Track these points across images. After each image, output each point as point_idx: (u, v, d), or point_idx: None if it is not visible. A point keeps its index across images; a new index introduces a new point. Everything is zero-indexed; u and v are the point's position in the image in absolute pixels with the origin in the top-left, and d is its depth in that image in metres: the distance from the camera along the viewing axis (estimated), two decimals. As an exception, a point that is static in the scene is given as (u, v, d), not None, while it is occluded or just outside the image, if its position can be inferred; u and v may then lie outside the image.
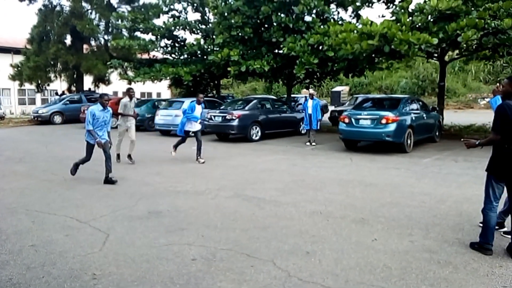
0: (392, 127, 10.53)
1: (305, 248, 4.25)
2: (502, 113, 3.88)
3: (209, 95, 24.00)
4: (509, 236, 4.47)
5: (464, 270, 3.69)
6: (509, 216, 4.70)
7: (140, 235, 4.67)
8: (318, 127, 13.25)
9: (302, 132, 16.05)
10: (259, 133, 14.20)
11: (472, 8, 11.38)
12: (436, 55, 15.41)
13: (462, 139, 4.51)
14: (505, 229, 4.64)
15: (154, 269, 3.76)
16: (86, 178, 7.88)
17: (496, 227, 4.71)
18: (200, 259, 3.97)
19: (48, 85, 26.94)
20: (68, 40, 25.78)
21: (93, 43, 26.77)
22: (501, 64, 31.24)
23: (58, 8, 25.36)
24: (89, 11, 25.32)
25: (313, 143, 12.83)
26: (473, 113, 27.47)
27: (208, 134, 15.41)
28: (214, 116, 14.28)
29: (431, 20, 11.60)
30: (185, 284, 3.48)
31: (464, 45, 11.89)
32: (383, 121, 10.58)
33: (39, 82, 25.76)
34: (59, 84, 29.41)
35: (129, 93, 9.81)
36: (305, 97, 13.71)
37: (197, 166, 9.25)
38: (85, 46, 26.39)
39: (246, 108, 14.47)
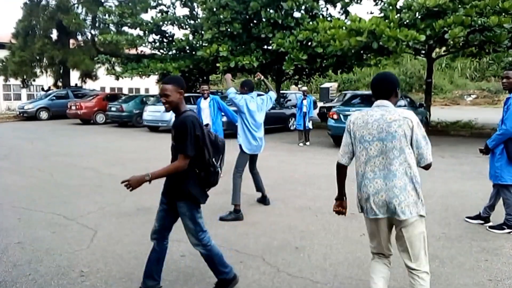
0: (380, 123, 10.58)
1: (294, 243, 4.26)
2: None
3: (198, 90, 23.89)
4: (495, 231, 4.55)
5: (450, 264, 3.74)
6: (493, 210, 4.80)
7: (128, 231, 4.64)
8: (311, 126, 12.47)
9: (291, 128, 16.09)
10: (248, 129, 14.14)
11: (459, 6, 11.51)
12: (423, 52, 15.56)
13: None
14: (490, 224, 4.71)
15: (143, 266, 3.69)
16: (73, 175, 7.79)
17: (482, 222, 4.81)
18: (189, 255, 3.95)
19: (34, 80, 26.51)
20: (54, 34, 25.39)
21: (79, 38, 26.42)
22: (487, 61, 31.70)
23: (44, 2, 24.95)
24: (76, 5, 24.94)
25: (307, 143, 12.28)
26: (460, 109, 27.86)
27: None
28: (203, 112, 14.21)
29: (419, 17, 11.71)
30: (174, 280, 3.47)
31: (451, 42, 12.00)
32: (371, 117, 10.63)
33: (25, 77, 25.35)
34: (45, 80, 28.96)
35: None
36: (302, 92, 12.82)
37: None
38: (71, 41, 26.02)
39: (235, 104, 14.41)
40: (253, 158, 5.68)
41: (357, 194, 2.67)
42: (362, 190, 2.58)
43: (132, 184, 2.86)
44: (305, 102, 12.17)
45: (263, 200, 5.79)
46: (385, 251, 2.67)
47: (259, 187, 5.76)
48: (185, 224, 3.07)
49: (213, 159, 2.99)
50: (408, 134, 2.44)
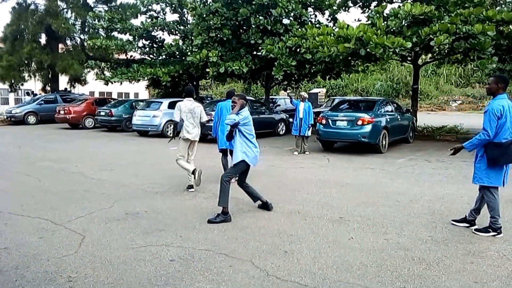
0: (367, 128, 10.74)
1: (283, 247, 4.29)
2: None
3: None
4: (481, 234, 4.64)
5: (437, 267, 3.80)
6: (478, 214, 4.88)
7: (117, 236, 4.62)
8: (310, 134, 11.40)
9: (280, 133, 16.16)
10: (238, 135, 14.15)
11: (445, 14, 11.75)
12: (410, 58, 15.79)
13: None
14: (476, 227, 4.79)
15: (132, 271, 3.73)
16: (61, 180, 7.72)
17: (467, 225, 4.89)
18: (178, 260, 3.96)
19: (22, 84, 26.27)
20: (43, 39, 25.19)
21: (68, 42, 26.22)
22: (472, 68, 32.21)
23: (32, 6, 24.75)
24: (65, 10, 24.80)
25: (306, 152, 11.31)
26: (445, 115, 28.27)
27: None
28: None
29: (405, 24, 11.90)
30: (163, 285, 3.47)
31: (437, 49, 12.22)
32: (359, 122, 10.78)
33: (13, 81, 25.09)
34: (34, 84, 28.71)
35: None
36: (301, 97, 11.67)
37: (175, 167, 9.15)
38: (60, 45, 25.83)
39: (225, 109, 14.43)
40: (247, 170, 5.57)
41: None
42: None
43: None
44: (301, 107, 11.20)
45: (266, 207, 5.67)
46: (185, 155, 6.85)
47: (255, 196, 5.67)
48: None
49: None
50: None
